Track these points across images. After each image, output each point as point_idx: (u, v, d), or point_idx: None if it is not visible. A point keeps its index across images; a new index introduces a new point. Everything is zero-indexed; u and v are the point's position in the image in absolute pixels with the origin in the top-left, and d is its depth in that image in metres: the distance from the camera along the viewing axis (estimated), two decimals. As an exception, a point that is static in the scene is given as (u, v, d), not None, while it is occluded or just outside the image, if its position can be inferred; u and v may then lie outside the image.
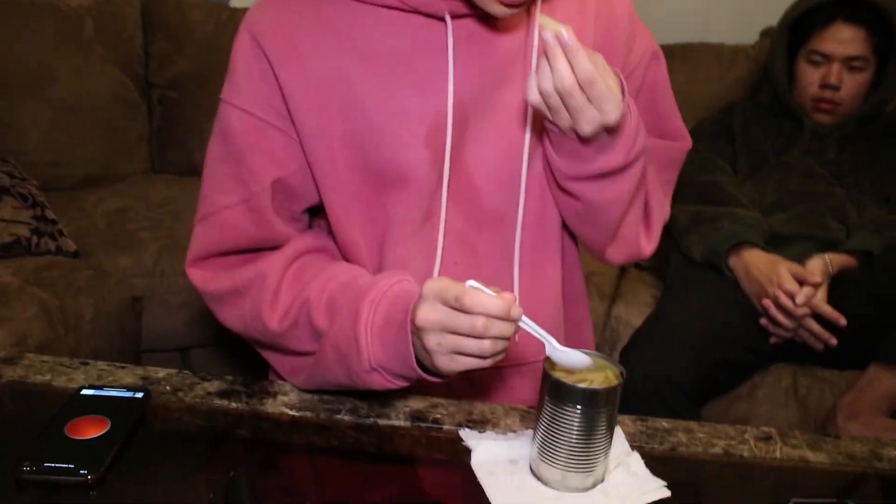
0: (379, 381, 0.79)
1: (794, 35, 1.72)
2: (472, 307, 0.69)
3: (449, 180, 0.86)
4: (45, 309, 1.39)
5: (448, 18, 0.82)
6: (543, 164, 0.90)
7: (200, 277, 0.90)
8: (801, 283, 1.34)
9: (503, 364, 0.88)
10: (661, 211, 1.01)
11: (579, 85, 0.73)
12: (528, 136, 0.87)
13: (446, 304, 0.70)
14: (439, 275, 0.88)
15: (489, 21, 0.85)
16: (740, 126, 1.73)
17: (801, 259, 1.41)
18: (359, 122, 0.84)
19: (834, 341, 1.33)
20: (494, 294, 0.70)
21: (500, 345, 0.71)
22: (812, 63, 1.67)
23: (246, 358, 1.79)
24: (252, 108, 0.84)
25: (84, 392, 0.82)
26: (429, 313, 0.71)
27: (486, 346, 0.70)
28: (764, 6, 2.17)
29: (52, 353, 1.38)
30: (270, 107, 0.84)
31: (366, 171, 0.86)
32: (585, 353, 0.75)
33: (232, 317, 0.90)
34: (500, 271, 0.91)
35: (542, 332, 0.74)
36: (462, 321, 0.70)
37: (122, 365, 0.93)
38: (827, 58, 1.64)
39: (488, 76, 0.86)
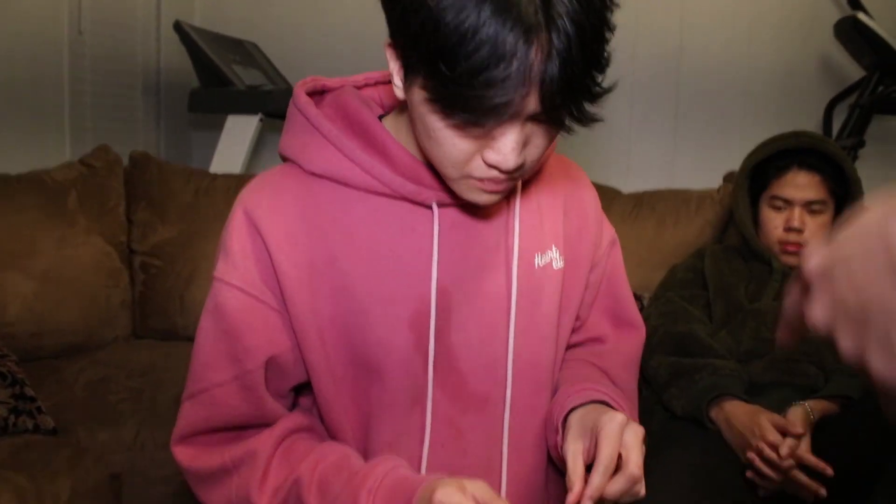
0: None
1: (754, 181, 1.80)
2: None
3: (435, 364, 0.88)
4: (20, 494, 1.35)
5: (435, 207, 0.86)
6: (532, 353, 0.93)
7: (187, 455, 0.89)
8: (784, 433, 1.33)
9: None
10: (636, 405, 1.06)
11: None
12: (512, 322, 0.90)
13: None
14: (428, 456, 0.89)
15: (472, 209, 0.89)
16: (711, 272, 1.77)
17: (781, 406, 1.41)
18: (347, 305, 0.86)
19: (823, 492, 1.32)
20: None
21: None
22: (774, 208, 1.73)
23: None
24: (247, 287, 0.86)
25: None
26: (449, 496, 0.73)
27: None
28: (725, 152, 2.29)
29: (26, 541, 1.34)
30: (265, 286, 0.86)
31: (352, 353, 0.88)
32: None
33: (217, 497, 0.89)
34: (488, 453, 0.92)
35: None
36: None
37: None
38: (787, 203, 1.71)
39: (471, 263, 0.89)
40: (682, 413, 1.48)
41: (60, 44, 2.69)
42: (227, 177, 2.38)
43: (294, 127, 0.92)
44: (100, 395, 1.78)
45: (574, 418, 0.87)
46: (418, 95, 0.75)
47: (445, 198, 0.87)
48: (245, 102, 2.78)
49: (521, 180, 0.91)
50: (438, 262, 0.87)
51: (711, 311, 1.70)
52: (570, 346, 1.04)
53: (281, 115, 2.89)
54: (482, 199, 0.82)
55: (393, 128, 0.89)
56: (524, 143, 0.76)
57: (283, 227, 0.86)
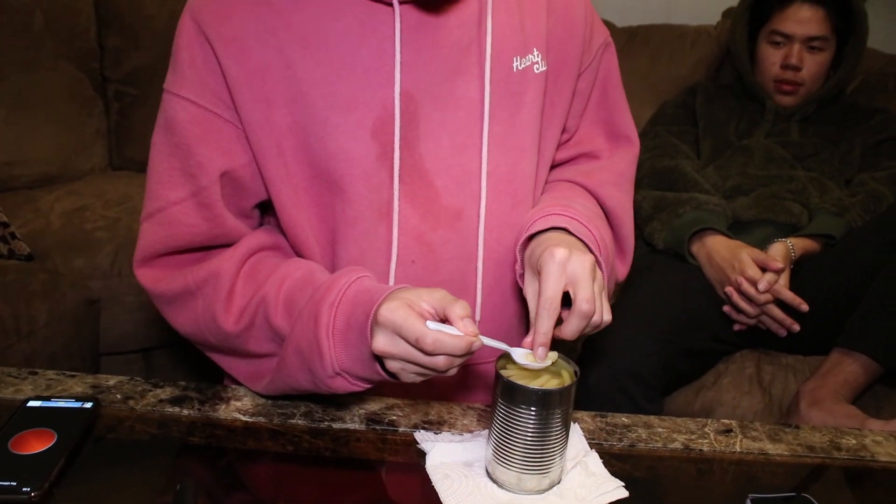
0: (343, 385, 0.76)
1: (754, 16, 1.72)
2: (433, 350, 0.68)
3: (402, 178, 0.83)
4: (-3, 316, 1.36)
5: (396, 3, 0.80)
6: (509, 165, 0.88)
7: (150, 277, 0.87)
8: (764, 269, 1.33)
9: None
10: (632, 233, 1.00)
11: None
12: (486, 130, 0.85)
13: (406, 340, 0.69)
14: (396, 273, 0.86)
15: (438, 8, 0.82)
16: (703, 108, 1.72)
17: (764, 243, 1.41)
18: (303, 113, 0.82)
19: (797, 327, 1.33)
20: (454, 332, 0.69)
21: (459, 363, 0.71)
22: (773, 44, 1.66)
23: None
24: (197, 98, 0.81)
25: (30, 404, 0.79)
26: (388, 346, 0.71)
27: (449, 372, 0.71)
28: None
29: (4, 361, 1.36)
30: (216, 96, 0.82)
31: (313, 165, 0.83)
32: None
33: (184, 319, 0.87)
34: (462, 269, 0.89)
35: (503, 344, 0.73)
36: (422, 359, 0.69)
37: (72, 374, 0.90)
38: (787, 38, 1.64)
39: (440, 67, 0.83)
40: (664, 246, 1.47)
41: None
42: None
43: None
44: (76, 223, 1.75)
45: (527, 252, 0.83)
46: None
47: None
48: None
49: None
50: (402, 65, 0.80)
51: (700, 147, 1.67)
52: (559, 164, 1.00)
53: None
54: None
55: None
56: None
57: (231, 31, 0.80)
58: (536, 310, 0.74)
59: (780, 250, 1.36)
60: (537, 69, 0.88)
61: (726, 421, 0.88)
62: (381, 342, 0.71)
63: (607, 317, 0.76)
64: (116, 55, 2.17)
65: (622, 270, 0.99)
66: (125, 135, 2.16)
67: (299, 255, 0.89)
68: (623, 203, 0.98)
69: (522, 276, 0.83)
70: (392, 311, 0.70)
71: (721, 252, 1.39)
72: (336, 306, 0.75)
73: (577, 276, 0.74)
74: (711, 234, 1.42)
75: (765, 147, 1.60)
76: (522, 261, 0.84)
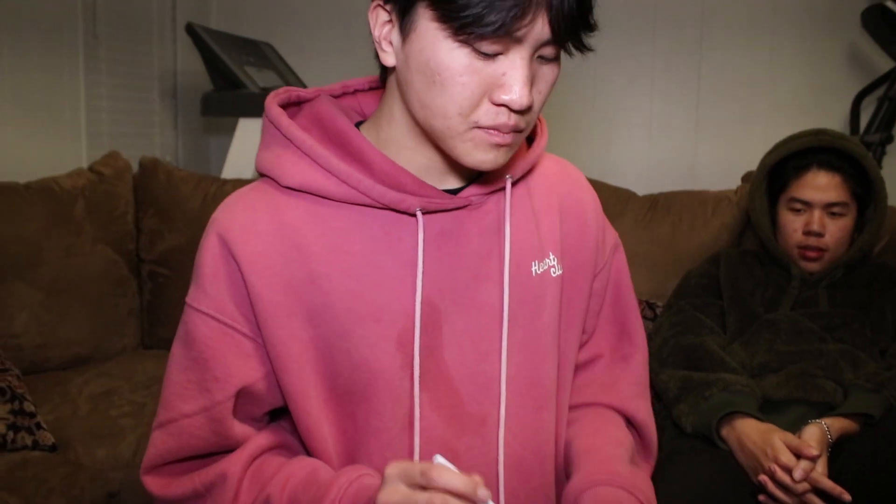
0: None
1: (772, 182, 1.73)
2: (433, 482, 0.67)
3: (426, 385, 0.84)
4: (14, 516, 1.35)
5: (419, 214, 0.82)
6: (531, 369, 0.89)
7: (157, 484, 0.88)
8: (799, 455, 1.27)
9: None
10: (653, 425, 1.03)
11: None
12: (505, 336, 0.85)
13: (411, 481, 0.69)
14: None
15: (461, 217, 0.85)
16: (726, 279, 1.70)
17: (797, 425, 1.34)
18: (327, 326, 0.82)
19: (839, 518, 1.25)
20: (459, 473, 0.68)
21: None
22: (793, 210, 1.66)
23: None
24: (218, 314, 0.83)
25: None
26: (389, 495, 0.70)
27: None
28: (747, 151, 2.20)
29: (18, 563, 1.33)
30: (237, 311, 0.83)
31: (335, 377, 0.84)
32: None
33: None
34: (485, 475, 0.86)
35: None
36: (420, 499, 0.68)
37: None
38: (807, 205, 1.64)
39: (461, 274, 0.85)
40: (692, 430, 1.41)
41: (75, 46, 2.69)
42: (236, 182, 2.35)
43: (267, 140, 0.88)
44: (103, 408, 1.76)
45: None
46: (425, 25, 0.74)
47: (430, 204, 0.83)
48: (256, 105, 2.74)
49: (512, 182, 0.88)
50: (424, 273, 0.82)
51: (725, 320, 1.63)
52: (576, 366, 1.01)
53: (294, 117, 2.88)
54: (488, 157, 0.78)
55: (372, 135, 0.87)
56: (532, 82, 0.76)
57: (257, 247, 0.82)
58: None
59: (814, 434, 1.29)
60: (554, 273, 0.90)
61: None
62: (384, 493, 0.72)
63: None
64: (151, 237, 2.25)
65: (647, 470, 1.00)
66: (157, 314, 2.21)
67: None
68: (648, 411, 1.02)
69: None
70: (399, 463, 0.72)
71: (752, 437, 1.32)
72: (338, 502, 0.77)
73: None
74: (741, 418, 1.36)
75: (792, 321, 1.56)
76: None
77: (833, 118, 2.73)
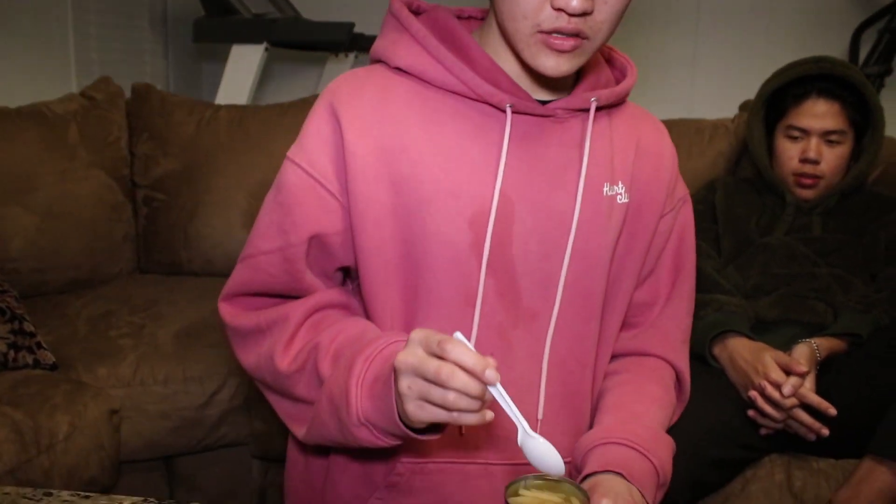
0: (367, 437, 0.81)
1: (770, 110, 1.72)
2: (446, 353, 0.69)
3: (492, 270, 0.90)
4: (18, 430, 1.36)
5: (508, 111, 0.89)
6: (586, 280, 0.94)
7: (229, 313, 0.96)
8: (788, 372, 1.30)
9: (471, 460, 0.93)
10: (688, 368, 1.08)
11: None
12: (570, 242, 0.91)
13: (428, 348, 0.72)
14: None
15: (545, 126, 0.92)
16: (723, 205, 1.71)
17: (788, 344, 1.37)
18: (410, 194, 0.89)
19: (825, 432, 1.29)
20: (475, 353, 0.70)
21: (465, 402, 0.70)
22: (790, 138, 1.66)
23: (233, 465, 1.75)
24: (309, 168, 0.91)
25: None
26: (406, 356, 0.73)
27: (450, 397, 0.70)
28: (746, 79, 2.19)
29: (24, 475, 1.36)
30: (329, 168, 0.90)
31: (409, 244, 0.90)
32: (553, 479, 0.73)
33: (250, 355, 0.95)
34: (530, 370, 0.94)
35: (517, 412, 0.73)
36: (430, 366, 0.70)
37: (87, 494, 0.90)
38: (804, 132, 1.64)
39: (538, 178, 0.91)
40: (686, 349, 1.44)
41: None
42: (231, 108, 2.33)
43: (386, 30, 0.96)
44: (101, 330, 1.78)
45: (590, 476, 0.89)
46: None
47: (520, 104, 0.89)
48: (250, 31, 2.71)
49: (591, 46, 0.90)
50: (506, 168, 0.89)
51: (720, 244, 1.65)
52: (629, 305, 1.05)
53: (287, 45, 2.84)
54: (549, 61, 0.84)
55: (479, 40, 0.94)
56: None
57: (358, 110, 0.90)
58: None
59: (804, 352, 1.32)
60: (620, 200, 0.95)
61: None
62: (402, 353, 0.74)
63: None
64: (146, 162, 2.24)
65: (678, 415, 1.09)
66: (153, 239, 2.21)
67: (375, 325, 0.93)
68: (687, 359, 1.09)
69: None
70: (426, 329, 0.74)
71: (744, 355, 1.35)
72: (371, 360, 0.81)
73: None
74: (733, 337, 1.39)
75: (786, 244, 1.58)
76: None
77: (832, 49, 2.71)
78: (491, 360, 0.69)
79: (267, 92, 3.09)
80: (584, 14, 0.80)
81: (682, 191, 1.06)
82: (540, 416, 0.94)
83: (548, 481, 0.74)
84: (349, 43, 2.78)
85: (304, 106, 2.29)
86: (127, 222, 2.19)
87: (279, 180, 0.94)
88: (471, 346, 0.71)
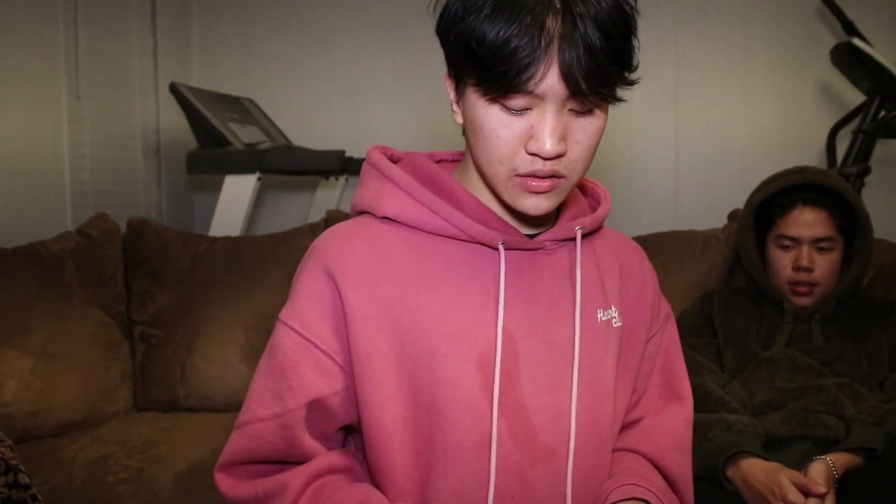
0: None
1: (760, 220, 1.75)
2: None
3: (504, 411, 0.88)
4: None
5: (501, 249, 0.91)
6: (595, 408, 0.94)
7: (227, 484, 0.94)
8: (806, 493, 1.27)
9: None
10: (690, 485, 1.05)
11: None
12: (575, 373, 0.91)
13: None
14: None
15: (536, 259, 0.93)
16: (721, 318, 1.72)
17: (801, 461, 1.35)
18: (413, 344, 0.89)
19: (849, 553, 1.25)
20: None
21: None
22: (782, 247, 1.69)
23: None
24: (302, 329, 0.90)
25: None
26: None
27: None
28: (730, 191, 2.24)
29: None
30: (324, 328, 0.90)
31: (416, 394, 0.89)
32: None
33: None
34: None
35: None
36: None
37: None
38: (795, 241, 1.66)
39: (537, 311, 0.92)
40: (697, 473, 1.40)
41: (59, 109, 2.70)
42: (226, 240, 2.35)
43: (366, 181, 0.98)
44: (98, 475, 1.73)
45: None
46: (469, 89, 0.85)
47: (511, 241, 0.91)
48: (242, 161, 2.76)
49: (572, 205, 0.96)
50: (505, 305, 0.89)
51: (722, 359, 1.64)
52: (622, 425, 1.05)
53: (279, 171, 2.89)
54: (529, 203, 0.86)
55: (460, 180, 0.96)
56: (562, 133, 0.83)
57: (351, 263, 0.90)
58: None
59: (820, 471, 1.30)
60: (615, 323, 0.97)
61: None
62: None
63: None
64: (142, 297, 2.23)
65: None
66: (150, 376, 2.18)
67: (386, 487, 0.91)
68: (685, 467, 1.04)
69: None
70: None
71: (758, 476, 1.32)
72: None
73: None
74: (746, 458, 1.37)
75: (790, 357, 1.57)
76: None
77: (809, 152, 2.79)
78: None
79: (259, 217, 3.13)
80: (557, 157, 0.83)
81: (665, 309, 1.08)
82: None
83: None
84: (338, 168, 2.84)
85: (298, 234, 2.31)
86: (123, 360, 2.16)
87: (272, 343, 0.93)
88: None
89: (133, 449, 1.85)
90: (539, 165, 0.83)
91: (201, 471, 1.73)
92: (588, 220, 0.97)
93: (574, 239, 0.96)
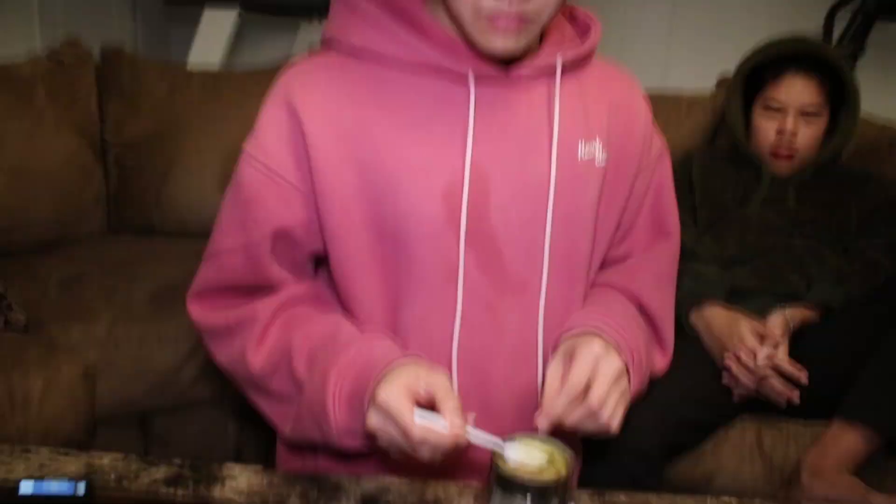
0: (353, 445, 0.83)
1: (748, 85, 1.75)
2: (418, 444, 0.74)
3: (471, 243, 0.88)
4: (-8, 389, 1.35)
5: (471, 77, 0.86)
6: (570, 244, 0.93)
7: (198, 311, 0.95)
8: (762, 340, 1.33)
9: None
10: (671, 320, 1.04)
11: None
12: (551, 207, 0.89)
13: (411, 394, 0.75)
14: (461, 336, 0.90)
15: (511, 92, 0.89)
16: (699, 176, 1.74)
17: (762, 313, 1.41)
18: (376, 175, 0.87)
19: (796, 399, 1.33)
20: (441, 427, 0.73)
21: (436, 455, 0.75)
22: (768, 113, 1.69)
23: (208, 423, 1.75)
24: (265, 159, 0.89)
25: (22, 492, 0.78)
26: (379, 427, 0.77)
27: (418, 453, 0.75)
28: (721, 55, 2.21)
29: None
30: (286, 159, 0.88)
31: (381, 226, 0.88)
32: (537, 439, 0.74)
33: (222, 355, 0.95)
34: (524, 338, 0.93)
35: (493, 439, 0.73)
36: (407, 448, 0.76)
37: (66, 451, 0.89)
38: (782, 107, 1.66)
39: (510, 145, 0.89)
40: (663, 318, 1.47)
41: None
42: (204, 74, 2.29)
43: (335, 11, 0.94)
44: (73, 291, 1.75)
45: (561, 342, 0.88)
46: None
47: (482, 69, 0.87)
48: (223, -7, 2.66)
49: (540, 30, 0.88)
50: (475, 137, 0.87)
51: (697, 214, 1.67)
52: (604, 263, 1.03)
53: (261, 10, 2.80)
54: (497, 43, 0.82)
55: (430, 11, 0.91)
56: None
57: (315, 98, 0.87)
58: (557, 389, 0.80)
59: (778, 321, 1.36)
60: (598, 163, 0.93)
61: (727, 498, 0.87)
62: (374, 421, 0.78)
63: (615, 424, 0.80)
64: (117, 122, 2.19)
65: (662, 363, 1.04)
66: (124, 200, 2.17)
67: (356, 312, 0.93)
68: (665, 303, 1.04)
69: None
70: (387, 395, 0.76)
71: (719, 323, 1.38)
72: (344, 376, 0.82)
73: (602, 372, 0.80)
74: (710, 305, 1.42)
75: (762, 216, 1.61)
76: (554, 349, 0.89)
77: (806, 27, 2.73)
78: (457, 424, 0.73)
79: (241, 57, 3.04)
80: None
81: (658, 145, 1.04)
82: (541, 384, 0.93)
83: (534, 440, 0.75)
84: (322, 8, 2.74)
85: (278, 70, 2.26)
86: (97, 183, 2.15)
87: (237, 175, 0.91)
88: (434, 422, 0.74)
89: (108, 268, 1.87)
90: (504, 6, 0.79)
91: (175, 289, 1.74)
92: (570, 53, 0.92)
93: (555, 71, 0.91)
